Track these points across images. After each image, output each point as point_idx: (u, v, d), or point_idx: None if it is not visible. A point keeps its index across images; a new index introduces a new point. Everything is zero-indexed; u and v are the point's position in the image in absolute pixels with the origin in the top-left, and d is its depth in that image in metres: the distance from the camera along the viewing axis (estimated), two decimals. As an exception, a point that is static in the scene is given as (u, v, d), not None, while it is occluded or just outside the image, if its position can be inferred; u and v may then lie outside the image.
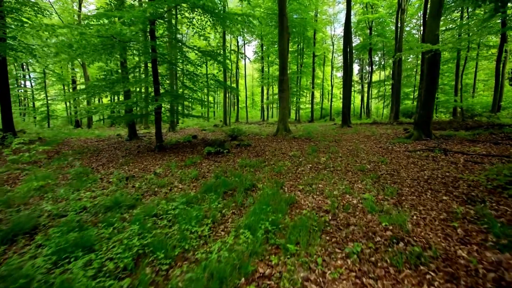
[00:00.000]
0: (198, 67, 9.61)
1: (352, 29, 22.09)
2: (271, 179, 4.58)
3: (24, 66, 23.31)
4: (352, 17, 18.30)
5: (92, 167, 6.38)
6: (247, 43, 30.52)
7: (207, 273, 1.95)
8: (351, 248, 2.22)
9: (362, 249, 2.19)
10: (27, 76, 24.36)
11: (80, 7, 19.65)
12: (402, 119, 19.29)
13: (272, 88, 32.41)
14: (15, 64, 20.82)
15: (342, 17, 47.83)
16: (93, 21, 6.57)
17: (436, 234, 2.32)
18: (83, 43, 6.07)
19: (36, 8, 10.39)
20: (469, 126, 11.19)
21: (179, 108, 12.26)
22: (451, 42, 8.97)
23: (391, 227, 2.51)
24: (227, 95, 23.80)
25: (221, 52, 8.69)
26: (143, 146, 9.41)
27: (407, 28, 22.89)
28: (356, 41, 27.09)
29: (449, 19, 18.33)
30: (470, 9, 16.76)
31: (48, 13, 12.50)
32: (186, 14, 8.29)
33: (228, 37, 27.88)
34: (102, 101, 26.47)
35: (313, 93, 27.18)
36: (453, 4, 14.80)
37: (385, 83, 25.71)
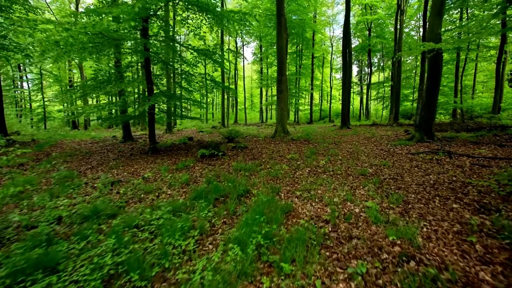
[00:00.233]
0: (194, 67, 9.35)
1: (351, 30, 21.98)
2: (267, 184, 4.29)
3: (21, 67, 22.98)
4: (351, 18, 18.19)
5: (80, 170, 6.07)
6: (245, 44, 30.39)
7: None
8: (354, 268, 1.92)
9: (367, 269, 1.90)
10: (24, 77, 24.01)
11: (77, 7, 19.44)
12: (401, 120, 19.09)
13: (271, 89, 32.22)
14: (11, 65, 20.49)
15: (341, 18, 47.92)
16: (84, 18, 6.30)
17: (452, 251, 2.03)
18: (70, 41, 5.78)
19: (27, 6, 10.13)
20: (470, 127, 10.97)
21: (177, 110, 11.97)
22: (454, 41, 8.74)
23: (399, 242, 2.22)
24: (226, 97, 23.56)
25: (218, 51, 8.40)
26: (136, 148, 9.10)
27: (406, 30, 22.78)
28: (355, 42, 26.98)
29: (448, 20, 18.23)
30: (469, 10, 16.66)
31: (40, 11, 12.24)
32: (181, 12, 8.04)
33: (226, 38, 27.74)
34: (100, 102, 26.14)
35: (312, 95, 26.97)
36: (452, 5, 14.68)
37: (384, 84, 25.55)
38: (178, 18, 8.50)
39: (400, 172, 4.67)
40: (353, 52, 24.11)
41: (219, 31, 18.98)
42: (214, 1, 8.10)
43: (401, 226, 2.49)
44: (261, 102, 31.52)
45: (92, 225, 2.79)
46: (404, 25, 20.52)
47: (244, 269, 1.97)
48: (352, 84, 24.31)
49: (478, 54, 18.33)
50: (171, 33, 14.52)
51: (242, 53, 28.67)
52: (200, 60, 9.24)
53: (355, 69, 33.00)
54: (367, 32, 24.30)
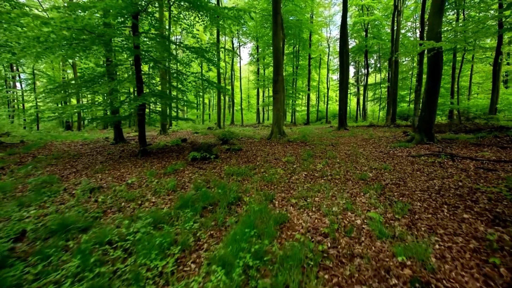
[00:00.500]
0: (187, 66, 9.01)
1: (348, 31, 21.86)
2: (260, 190, 3.97)
3: (13, 67, 22.35)
4: (348, 19, 18.04)
5: (63, 174, 5.69)
6: (242, 45, 30.10)
7: None
8: (359, 297, 1.62)
9: (374, 299, 1.60)
10: (17, 77, 23.37)
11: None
12: (398, 121, 18.98)
13: (268, 90, 31.96)
14: (3, 64, 19.86)
15: (337, 19, 48.14)
16: (68, 13, 5.93)
17: (472, 276, 1.74)
18: (52, 36, 5.41)
19: (13, 2, 9.68)
20: (469, 128, 10.81)
21: (173, 112, 11.60)
22: (456, 39, 8.57)
23: (409, 262, 1.92)
24: (222, 98, 23.21)
25: (210, 49, 8.08)
26: (127, 151, 8.72)
27: (402, 31, 22.78)
28: (351, 43, 26.92)
29: (444, 21, 18.20)
30: (466, 12, 16.65)
31: (27, 9, 11.77)
32: (173, 9, 7.70)
33: (223, 39, 27.43)
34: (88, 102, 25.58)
35: (309, 95, 26.80)
36: (449, 6, 14.62)
37: (381, 85, 25.50)
38: (166, 14, 8.14)
39: (402, 176, 4.40)
40: (350, 53, 24.01)
41: (215, 31, 18.70)
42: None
43: (410, 242, 2.20)
44: (258, 103, 31.24)
45: (58, 242, 2.44)
46: (401, 26, 20.49)
47: (228, 300, 1.65)
48: (349, 85, 24.21)
49: (474, 55, 18.35)
50: (166, 32, 14.18)
51: (238, 53, 28.38)
52: (193, 59, 8.91)
53: (351, 70, 33.01)
54: (364, 33, 24.25)
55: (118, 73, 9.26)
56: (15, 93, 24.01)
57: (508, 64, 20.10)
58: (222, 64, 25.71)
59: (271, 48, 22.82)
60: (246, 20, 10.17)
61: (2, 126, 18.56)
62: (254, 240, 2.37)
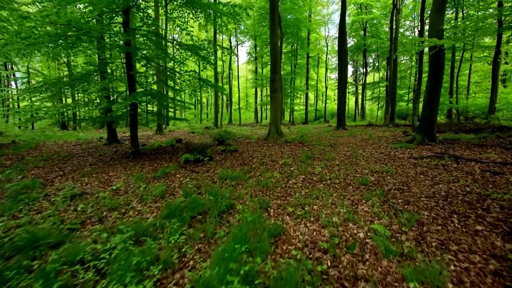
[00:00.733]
0: (181, 65, 8.70)
1: (347, 30, 21.62)
2: (255, 196, 3.70)
3: (7, 65, 21.81)
4: (346, 18, 17.81)
5: (48, 178, 5.38)
6: (240, 44, 29.75)
7: None
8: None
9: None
10: (12, 76, 22.81)
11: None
12: (397, 121, 18.81)
13: (266, 89, 31.67)
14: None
15: (336, 18, 47.91)
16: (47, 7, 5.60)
17: (498, 308, 1.49)
18: (34, 32, 5.08)
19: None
20: (469, 128, 10.64)
21: (164, 110, 11.28)
22: (459, 37, 8.37)
23: (422, 289, 1.67)
24: (220, 97, 22.87)
25: (204, 46, 7.77)
26: (119, 152, 8.41)
27: (401, 30, 22.58)
28: (350, 42, 26.69)
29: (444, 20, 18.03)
30: (465, 10, 16.49)
31: (17, 5, 11.37)
32: (165, 4, 7.38)
33: (220, 38, 27.07)
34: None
35: (307, 95, 26.56)
36: (448, 4, 14.41)
37: (380, 84, 25.32)
38: (162, 12, 7.83)
39: (405, 180, 4.16)
40: (348, 52, 23.79)
41: (212, 29, 18.35)
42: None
43: (420, 261, 1.94)
44: (256, 102, 30.94)
45: (23, 261, 2.15)
46: (400, 25, 20.29)
47: None
48: (347, 84, 23.99)
49: (473, 54, 18.21)
50: (161, 31, 13.82)
51: (235, 52, 28.03)
52: (187, 57, 8.60)
53: (350, 69, 32.79)
54: (362, 32, 24.02)
55: (114, 72, 8.94)
56: (9, 92, 23.49)
57: (506, 63, 20.00)
58: (220, 63, 25.37)
59: (269, 46, 22.55)
60: (243, 17, 9.87)
61: (-5, 125, 18.14)
62: (245, 258, 2.11)
